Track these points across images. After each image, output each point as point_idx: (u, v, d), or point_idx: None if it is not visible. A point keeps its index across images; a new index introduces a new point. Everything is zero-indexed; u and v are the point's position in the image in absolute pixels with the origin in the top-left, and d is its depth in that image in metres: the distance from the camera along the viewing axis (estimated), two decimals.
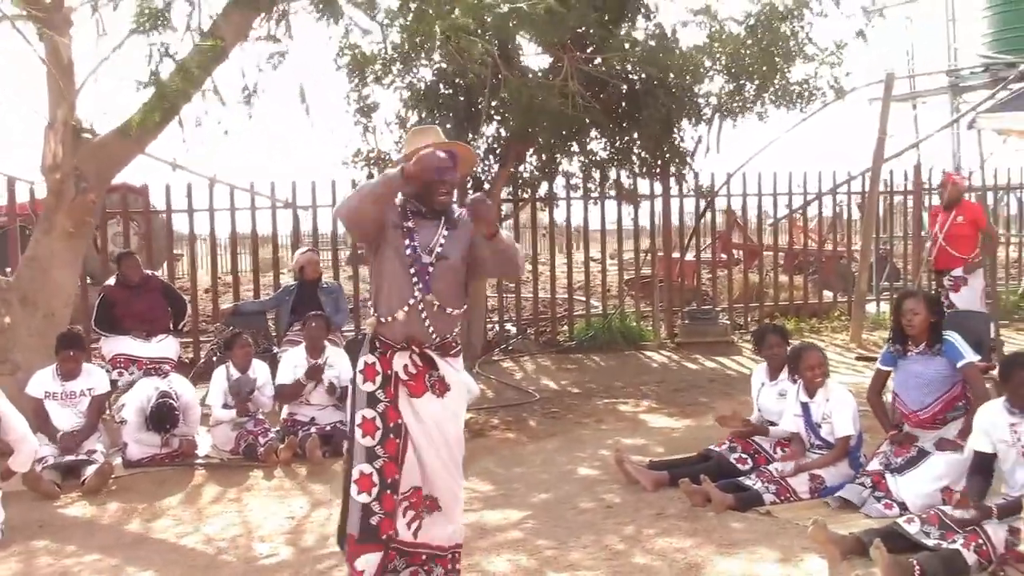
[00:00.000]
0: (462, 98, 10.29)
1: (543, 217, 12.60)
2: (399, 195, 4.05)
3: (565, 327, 12.39)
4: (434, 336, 4.05)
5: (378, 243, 4.06)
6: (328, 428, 7.36)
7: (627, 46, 10.28)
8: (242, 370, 7.46)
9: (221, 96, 7.74)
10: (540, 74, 10.02)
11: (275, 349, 9.00)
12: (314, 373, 7.49)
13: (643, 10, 10.52)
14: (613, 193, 12.14)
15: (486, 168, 11.14)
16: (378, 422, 3.98)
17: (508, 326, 12.12)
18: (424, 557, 4.09)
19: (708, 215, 13.07)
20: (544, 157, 11.32)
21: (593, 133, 11.16)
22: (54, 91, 7.72)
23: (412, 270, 3.99)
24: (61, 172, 7.64)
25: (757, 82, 10.73)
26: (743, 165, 12.71)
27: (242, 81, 8.08)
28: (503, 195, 11.49)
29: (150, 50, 7.59)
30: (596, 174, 11.82)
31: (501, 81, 9.02)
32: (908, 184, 13.46)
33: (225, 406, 7.36)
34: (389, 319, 4.01)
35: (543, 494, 6.04)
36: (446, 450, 4.08)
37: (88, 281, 10.29)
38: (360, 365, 4.06)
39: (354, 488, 3.95)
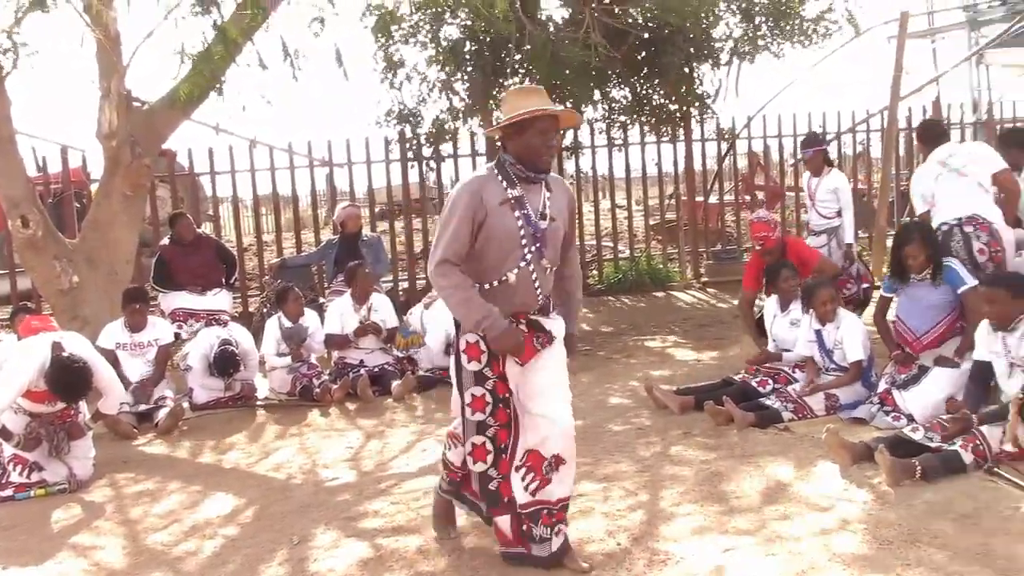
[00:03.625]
0: (487, 53, 10.66)
1: (569, 166, 12.98)
2: (499, 159, 4.02)
3: (594, 271, 12.85)
4: (540, 298, 4.04)
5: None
6: (376, 369, 7.92)
7: None
8: (294, 320, 7.99)
9: (263, 61, 8.16)
10: (562, 26, 10.37)
11: (321, 300, 9.55)
12: (361, 332, 8.03)
13: None
14: (636, 140, 12.51)
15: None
16: (487, 398, 4.00)
17: None
18: (556, 512, 4.05)
19: (730, 158, 13.39)
20: (568, 107, 11.68)
21: (615, 82, 11.51)
22: (104, 63, 8.21)
23: (523, 236, 3.93)
24: (117, 139, 8.18)
25: (771, 21, 11.02)
26: (763, 107, 13.01)
27: (282, 46, 8.46)
28: None
29: (176, 23, 8.01)
30: (621, 120, 12.18)
31: (526, 35, 9.40)
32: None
33: (279, 354, 7.92)
34: (495, 284, 3.95)
35: (579, 420, 6.39)
36: (561, 390, 4.12)
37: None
38: (462, 344, 4.02)
39: (470, 460, 4.06)
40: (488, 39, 10.40)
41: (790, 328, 6.67)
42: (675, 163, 12.79)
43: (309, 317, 8.12)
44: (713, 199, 13.74)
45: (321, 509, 5.05)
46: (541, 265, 4.00)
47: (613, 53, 10.01)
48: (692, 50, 11.03)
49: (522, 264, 3.94)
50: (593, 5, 9.79)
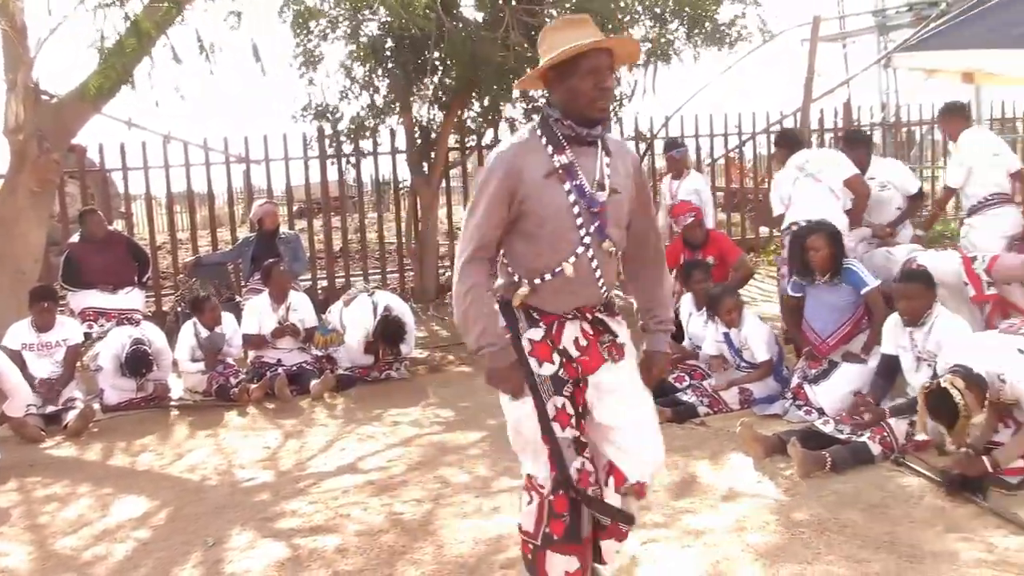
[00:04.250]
0: (408, 50, 10.60)
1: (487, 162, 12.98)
2: (542, 115, 3.30)
3: None
4: (604, 291, 3.28)
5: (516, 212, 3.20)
6: (294, 368, 7.81)
7: None
8: (210, 329, 7.83)
9: (177, 55, 7.98)
10: (482, 24, 10.37)
11: (238, 298, 9.39)
12: (279, 334, 7.92)
13: None
14: None
15: (431, 116, 11.52)
16: (569, 408, 3.23)
17: None
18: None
19: (648, 158, 13.54)
20: (487, 104, 11.70)
21: None
22: (10, 54, 7.96)
23: (578, 215, 3.16)
24: (24, 133, 7.93)
25: (686, 25, 11.19)
26: (680, 107, 13.18)
27: (196, 39, 8.30)
28: (450, 143, 11.87)
29: (95, 13, 7.81)
30: (537, 119, 12.20)
31: (445, 33, 9.38)
32: (839, 121, 14.05)
33: (193, 360, 7.76)
34: (547, 279, 3.18)
35: (498, 419, 6.54)
36: (645, 418, 3.37)
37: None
38: (526, 345, 3.24)
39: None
40: (408, 36, 10.34)
41: (704, 326, 6.78)
42: None
43: (226, 322, 7.93)
44: None
45: (237, 510, 4.98)
46: (603, 250, 3.20)
47: (531, 52, 10.04)
48: None
49: (580, 250, 3.16)
50: (513, 3, 9.81)
